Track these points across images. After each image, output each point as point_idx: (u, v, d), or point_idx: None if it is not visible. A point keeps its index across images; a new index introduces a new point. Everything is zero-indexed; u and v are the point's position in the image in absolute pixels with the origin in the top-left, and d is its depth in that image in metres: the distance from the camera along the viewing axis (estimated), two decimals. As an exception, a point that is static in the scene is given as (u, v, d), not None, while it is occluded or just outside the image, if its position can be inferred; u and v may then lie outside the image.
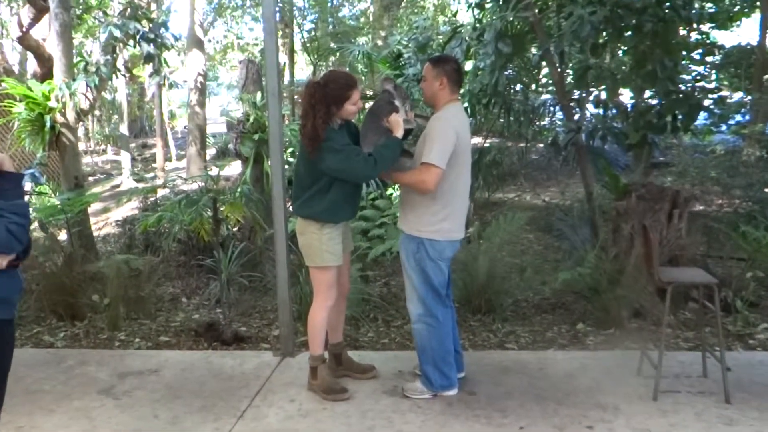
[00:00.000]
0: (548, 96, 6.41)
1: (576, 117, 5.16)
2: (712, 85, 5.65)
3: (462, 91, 5.74)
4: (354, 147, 2.62)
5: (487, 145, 6.71)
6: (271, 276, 4.52)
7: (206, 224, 4.64)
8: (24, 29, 7.67)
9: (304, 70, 18.42)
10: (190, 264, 4.97)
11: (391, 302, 4.26)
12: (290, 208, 3.06)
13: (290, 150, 6.79)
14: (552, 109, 6.40)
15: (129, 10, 5.13)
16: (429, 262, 2.68)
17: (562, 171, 8.13)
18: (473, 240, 4.45)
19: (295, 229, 2.80)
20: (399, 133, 2.64)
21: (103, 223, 7.40)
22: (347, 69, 7.18)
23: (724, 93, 7.05)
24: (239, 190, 4.97)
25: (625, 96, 5.59)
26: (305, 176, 2.71)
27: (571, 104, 5.05)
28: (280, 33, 11.03)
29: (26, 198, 2.12)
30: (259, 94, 5.50)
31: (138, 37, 5.03)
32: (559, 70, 4.78)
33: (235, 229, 5.30)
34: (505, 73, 5.08)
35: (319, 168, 2.63)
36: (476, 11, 5.10)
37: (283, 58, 12.28)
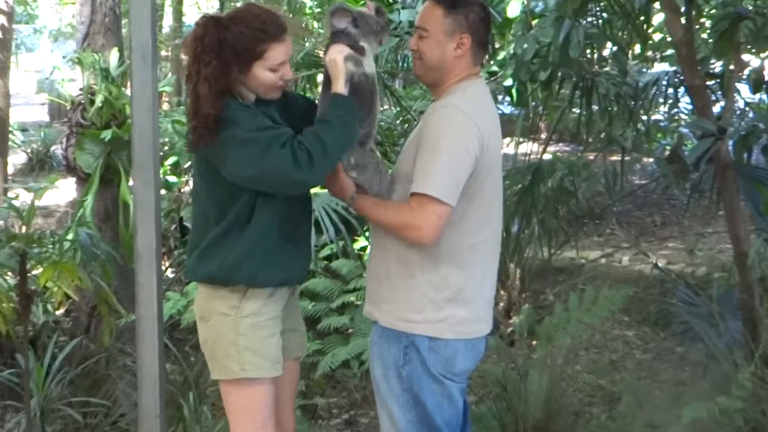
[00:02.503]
0: (665, 69, 6.50)
1: (717, 110, 5.20)
2: None
3: (500, 56, 5.78)
4: (277, 130, 2.66)
5: (546, 158, 6.75)
6: (129, 405, 4.45)
7: (4, 303, 4.50)
8: None
9: (204, 8, 18.78)
10: None
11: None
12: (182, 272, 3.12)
13: (173, 159, 6.61)
14: (671, 93, 6.45)
15: None
16: (427, 381, 2.73)
17: (691, 210, 8.24)
18: (519, 340, 4.48)
19: (195, 310, 2.92)
20: (340, 83, 2.71)
21: None
22: (285, 11, 7.08)
23: None
24: (70, 235, 4.85)
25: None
26: (207, 203, 2.84)
27: (708, 85, 5.10)
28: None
29: None
30: (113, 53, 5.48)
31: None
32: (685, 20, 4.82)
33: (60, 313, 5.26)
34: (584, 24, 5.15)
35: (224, 178, 2.71)
36: None
37: None
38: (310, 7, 7.87)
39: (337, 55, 2.73)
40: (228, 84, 2.68)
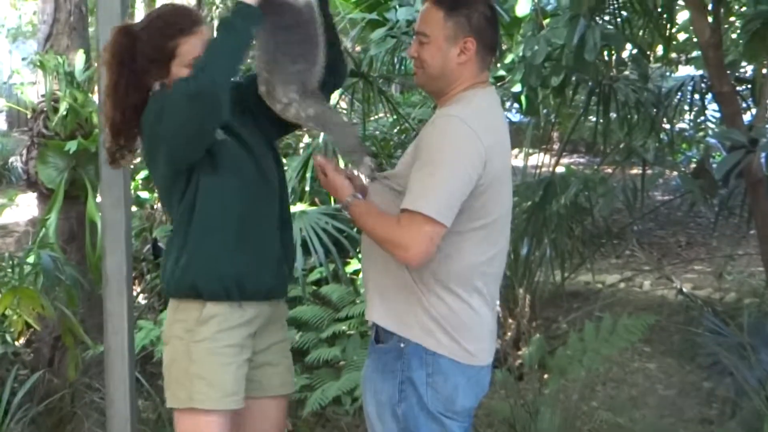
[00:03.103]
0: (690, 73, 6.48)
1: (748, 119, 5.22)
2: None
3: (508, 59, 5.84)
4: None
5: (559, 172, 6.67)
6: None
7: None
8: None
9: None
10: None
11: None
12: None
13: (145, 173, 6.71)
14: (697, 100, 6.39)
15: None
16: (425, 421, 2.72)
17: (720, 230, 8.19)
18: (528, 373, 4.49)
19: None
20: None
21: None
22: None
23: None
24: (32, 258, 4.94)
25: None
26: (169, 213, 2.96)
27: (738, 91, 5.12)
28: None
29: None
30: (79, 55, 5.54)
31: None
32: (713, 20, 4.83)
33: (20, 343, 5.32)
34: (600, 23, 5.14)
35: (162, 175, 2.86)
36: None
37: None
38: None
39: None
40: (146, 94, 2.82)
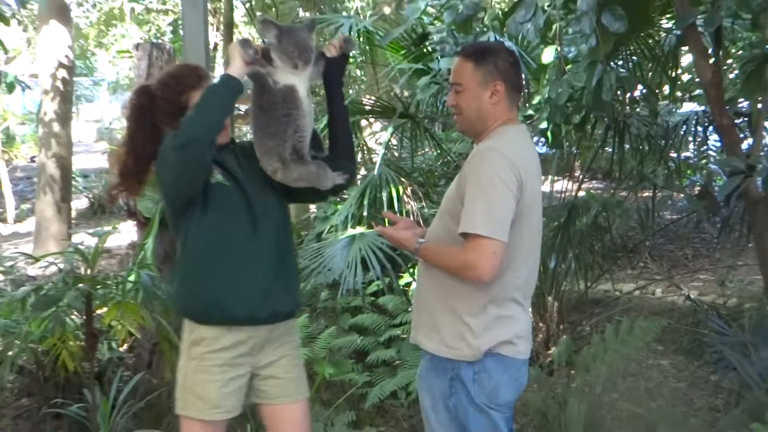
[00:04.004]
0: (694, 108, 6.49)
1: (745, 147, 5.11)
2: None
3: (536, 100, 5.81)
4: None
5: (581, 195, 6.63)
6: None
7: (71, 341, 4.55)
8: None
9: None
10: (39, 413, 4.95)
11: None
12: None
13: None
14: (700, 132, 6.43)
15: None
16: (473, 412, 2.73)
17: (722, 244, 8.18)
18: (558, 370, 4.49)
19: None
20: (234, 67, 2.75)
21: None
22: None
23: None
24: (133, 277, 4.89)
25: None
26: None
27: (736, 123, 5.06)
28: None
29: None
30: None
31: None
32: (713, 62, 4.77)
33: (124, 349, 5.28)
34: (615, 68, 5.11)
35: (165, 206, 2.95)
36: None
37: (214, 37, 12.61)
38: (353, 55, 7.89)
39: (237, 45, 2.77)
40: (156, 147, 2.82)
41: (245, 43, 2.78)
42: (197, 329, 2.82)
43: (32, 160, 17.14)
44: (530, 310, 2.97)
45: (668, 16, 5.34)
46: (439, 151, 7.54)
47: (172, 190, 2.80)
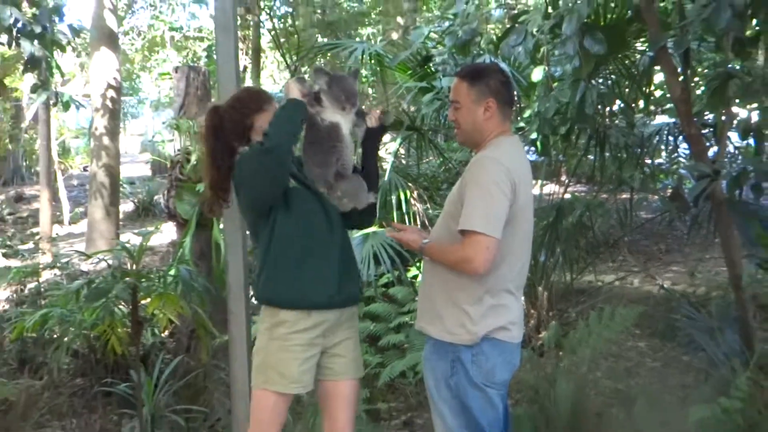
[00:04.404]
0: (665, 120, 6.41)
1: (711, 154, 5.08)
2: None
3: (527, 114, 5.73)
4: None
5: (567, 197, 6.67)
6: (223, 412, 4.53)
7: (119, 328, 4.60)
8: None
9: (277, 79, 18.80)
10: (92, 391, 5.02)
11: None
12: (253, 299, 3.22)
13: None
14: (672, 141, 6.37)
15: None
16: (471, 390, 2.77)
17: (691, 239, 8.08)
18: (548, 351, 4.43)
19: None
20: (292, 95, 2.88)
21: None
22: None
23: None
24: (173, 271, 4.90)
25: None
26: (253, 234, 3.06)
27: (703, 133, 5.03)
28: (239, 22, 11.25)
29: None
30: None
31: (15, 30, 5.04)
32: (682, 79, 4.74)
33: (165, 335, 5.32)
34: (596, 85, 5.13)
35: (245, 210, 2.99)
36: (549, -12, 5.17)
37: (244, 60, 12.62)
38: (367, 78, 7.91)
39: (294, 84, 2.90)
40: (234, 157, 2.98)
41: (300, 80, 2.94)
42: (280, 313, 2.87)
43: (85, 169, 17.19)
44: (522, 299, 2.87)
45: (642, 39, 5.31)
46: (441, 159, 7.53)
47: (259, 195, 2.86)
